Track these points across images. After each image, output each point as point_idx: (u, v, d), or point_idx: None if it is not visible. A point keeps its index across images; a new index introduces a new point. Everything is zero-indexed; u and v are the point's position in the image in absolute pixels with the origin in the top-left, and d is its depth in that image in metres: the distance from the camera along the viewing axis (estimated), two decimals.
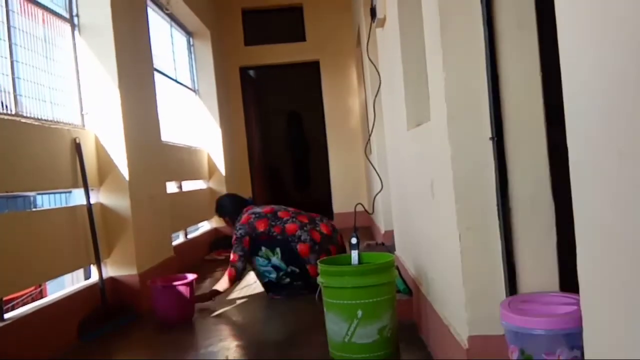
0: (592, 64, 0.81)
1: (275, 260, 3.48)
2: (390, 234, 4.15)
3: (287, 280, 3.50)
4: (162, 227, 4.08)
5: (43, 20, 3.17)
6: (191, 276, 3.24)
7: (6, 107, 2.72)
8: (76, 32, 3.43)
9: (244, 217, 3.64)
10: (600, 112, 0.79)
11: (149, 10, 4.49)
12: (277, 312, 3.24)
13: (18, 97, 2.80)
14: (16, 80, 2.78)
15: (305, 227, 3.56)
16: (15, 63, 2.79)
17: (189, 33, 6.25)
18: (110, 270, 3.44)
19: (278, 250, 3.49)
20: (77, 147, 3.18)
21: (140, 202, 3.62)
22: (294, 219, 3.60)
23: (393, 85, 2.99)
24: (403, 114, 2.65)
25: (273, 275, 3.51)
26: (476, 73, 1.65)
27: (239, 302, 3.55)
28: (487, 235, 1.66)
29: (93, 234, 3.20)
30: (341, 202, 7.27)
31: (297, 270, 3.48)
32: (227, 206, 3.91)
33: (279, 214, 3.64)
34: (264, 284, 3.61)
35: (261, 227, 3.54)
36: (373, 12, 3.32)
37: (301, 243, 3.50)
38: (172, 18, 5.60)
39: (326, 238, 3.60)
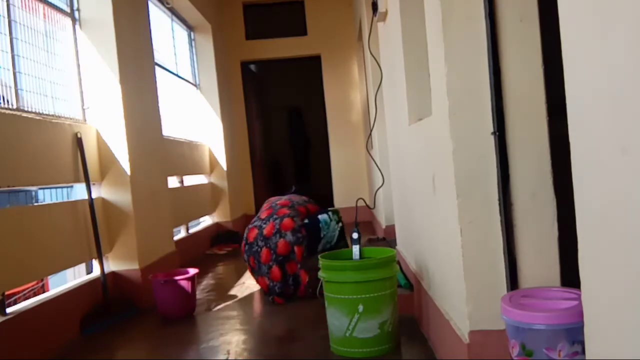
0: (594, 58, 0.81)
1: None
2: (391, 228, 4.15)
3: None
4: (163, 221, 4.09)
5: (44, 14, 3.16)
6: (193, 271, 3.25)
7: (7, 101, 2.72)
8: (77, 26, 3.42)
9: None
10: (603, 106, 0.79)
11: (150, 5, 4.48)
12: (278, 307, 3.24)
13: (19, 91, 2.80)
14: (17, 74, 2.78)
15: (251, 224, 3.49)
16: (16, 57, 2.79)
17: (190, 27, 6.24)
18: (112, 265, 3.45)
19: None
20: (78, 142, 3.18)
21: (142, 196, 3.62)
22: (259, 214, 3.59)
23: (394, 79, 2.98)
24: (404, 109, 2.64)
25: None
26: (478, 67, 1.65)
27: (240, 296, 3.56)
28: (489, 230, 1.66)
29: (95, 228, 3.20)
30: (342, 197, 7.27)
31: None
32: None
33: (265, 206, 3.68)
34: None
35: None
36: (375, 6, 3.30)
37: (243, 241, 3.47)
38: (173, 12, 5.59)
39: (257, 239, 3.36)
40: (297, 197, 3.70)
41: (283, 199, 3.65)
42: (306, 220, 3.43)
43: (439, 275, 2.13)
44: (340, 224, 3.50)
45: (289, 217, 3.39)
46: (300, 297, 3.32)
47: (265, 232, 3.35)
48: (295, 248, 3.29)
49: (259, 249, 3.34)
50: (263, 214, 3.53)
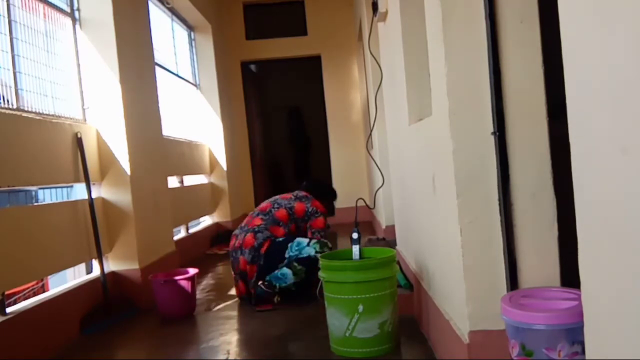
0: (595, 58, 0.81)
1: None
2: (391, 228, 4.15)
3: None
4: (163, 221, 4.09)
5: (44, 14, 3.16)
6: (192, 271, 3.25)
7: (7, 101, 2.72)
8: (77, 26, 3.42)
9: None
10: (603, 106, 0.79)
11: (150, 4, 4.48)
12: (278, 307, 3.23)
13: (19, 91, 2.80)
14: (17, 74, 2.78)
15: (237, 230, 3.48)
16: (16, 57, 2.79)
17: (190, 27, 6.24)
18: (112, 265, 3.45)
19: None
20: (78, 142, 3.18)
21: (142, 196, 3.62)
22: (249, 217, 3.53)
23: (395, 79, 2.98)
24: (405, 109, 2.64)
25: None
26: (478, 67, 1.65)
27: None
28: (488, 230, 1.66)
29: (95, 228, 3.20)
30: (342, 197, 7.18)
31: None
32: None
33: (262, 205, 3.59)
34: None
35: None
36: (375, 6, 3.30)
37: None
38: (173, 12, 5.59)
39: (237, 249, 3.36)
40: (289, 196, 3.57)
41: (268, 201, 3.58)
42: (280, 238, 3.30)
43: (438, 275, 2.13)
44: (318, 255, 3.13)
45: (253, 232, 3.33)
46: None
47: (236, 244, 3.38)
48: (248, 267, 3.27)
49: (237, 257, 3.36)
50: (256, 219, 3.43)
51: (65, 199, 7.25)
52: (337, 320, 2.29)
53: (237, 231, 3.48)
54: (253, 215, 3.50)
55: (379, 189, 4.40)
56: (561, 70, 0.91)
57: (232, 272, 3.46)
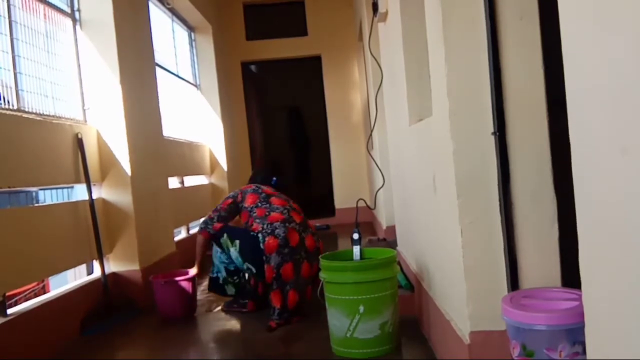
0: (595, 57, 0.80)
1: (233, 252, 3.02)
2: (392, 229, 4.15)
3: (233, 290, 3.21)
4: (164, 222, 4.09)
5: (44, 15, 3.16)
6: (193, 271, 3.24)
7: (8, 102, 2.72)
8: (77, 26, 3.42)
9: (247, 185, 3.33)
10: (604, 106, 0.79)
11: (150, 5, 4.48)
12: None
13: (20, 92, 2.80)
14: (18, 75, 2.78)
15: (288, 223, 2.96)
16: (17, 58, 2.79)
17: (190, 28, 6.24)
18: (113, 266, 3.45)
19: (237, 242, 3.00)
20: (79, 143, 3.18)
21: (142, 197, 3.63)
22: (282, 210, 3.05)
23: (395, 80, 2.98)
24: (405, 109, 2.64)
25: (222, 274, 3.20)
26: (478, 67, 1.65)
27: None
28: (489, 230, 1.65)
29: (95, 229, 3.20)
30: (343, 198, 7.27)
31: (254, 269, 2.95)
32: (253, 175, 3.61)
33: (272, 199, 3.13)
34: (210, 278, 3.27)
35: (249, 201, 3.13)
36: (375, 6, 3.30)
37: (272, 236, 2.88)
38: (174, 13, 5.59)
39: (300, 248, 2.93)
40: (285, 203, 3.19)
41: (292, 201, 3.23)
42: None
43: (439, 276, 2.13)
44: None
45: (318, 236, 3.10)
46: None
47: (307, 244, 2.96)
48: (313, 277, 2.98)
49: (301, 260, 2.92)
50: (295, 214, 3.05)
51: (65, 200, 7.25)
52: (337, 321, 2.29)
53: (294, 225, 2.97)
54: (301, 213, 3.12)
55: (379, 189, 4.39)
56: (562, 69, 0.91)
57: (289, 273, 2.88)
